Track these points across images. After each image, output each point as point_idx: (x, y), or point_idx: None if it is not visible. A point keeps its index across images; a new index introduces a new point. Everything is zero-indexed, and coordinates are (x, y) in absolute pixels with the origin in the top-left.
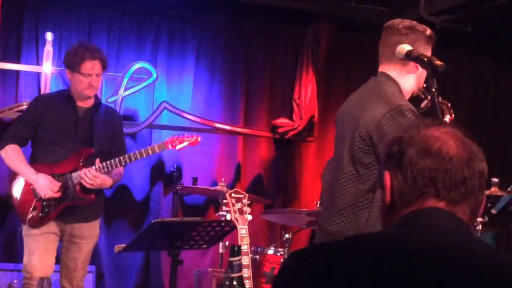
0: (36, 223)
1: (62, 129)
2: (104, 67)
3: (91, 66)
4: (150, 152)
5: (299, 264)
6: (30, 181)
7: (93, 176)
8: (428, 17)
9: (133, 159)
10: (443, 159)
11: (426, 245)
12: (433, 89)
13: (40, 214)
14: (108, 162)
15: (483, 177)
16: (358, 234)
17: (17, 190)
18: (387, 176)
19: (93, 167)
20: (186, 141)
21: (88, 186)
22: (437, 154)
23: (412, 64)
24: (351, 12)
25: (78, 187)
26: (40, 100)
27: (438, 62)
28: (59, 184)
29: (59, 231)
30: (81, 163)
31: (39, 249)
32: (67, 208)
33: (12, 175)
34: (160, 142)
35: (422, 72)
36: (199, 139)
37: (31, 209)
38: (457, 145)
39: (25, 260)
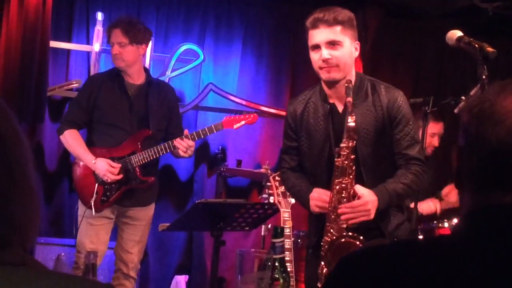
0: (98, 207)
1: (118, 112)
2: (129, 36)
3: (112, 35)
4: (208, 132)
5: (350, 273)
6: (90, 166)
7: (189, 145)
8: (480, 3)
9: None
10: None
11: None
12: (484, 77)
13: (102, 198)
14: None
15: None
16: (416, 240)
17: (78, 174)
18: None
19: (183, 137)
20: (242, 120)
21: (183, 155)
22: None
23: None
24: None
25: (138, 170)
26: (93, 82)
27: (490, 49)
28: (119, 165)
29: (114, 215)
30: (140, 146)
31: (92, 233)
32: (127, 191)
33: (67, 155)
34: (216, 123)
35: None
36: (257, 117)
37: (93, 193)
38: None
39: (78, 239)
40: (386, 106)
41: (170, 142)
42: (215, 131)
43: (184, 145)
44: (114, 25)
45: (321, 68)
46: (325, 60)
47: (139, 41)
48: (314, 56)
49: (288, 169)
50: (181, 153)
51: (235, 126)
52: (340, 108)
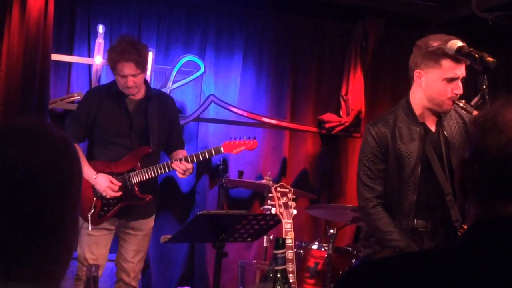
0: (95, 221)
1: (118, 129)
2: (140, 66)
3: (122, 68)
4: (207, 155)
5: (353, 286)
6: (91, 181)
7: (186, 168)
8: (480, 13)
9: (195, 160)
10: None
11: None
12: (484, 86)
13: (100, 213)
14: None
15: None
16: (416, 252)
17: None
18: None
19: (182, 160)
20: (242, 145)
21: (181, 176)
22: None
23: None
24: (401, 8)
25: (137, 187)
26: (92, 97)
27: (490, 59)
28: (119, 184)
29: (115, 226)
30: (139, 164)
31: (91, 243)
32: (125, 207)
33: None
34: (216, 146)
35: (428, 82)
36: (257, 143)
37: (91, 207)
38: None
39: (78, 251)
40: (462, 119)
41: (169, 162)
42: (214, 155)
43: (182, 168)
44: (124, 58)
45: (450, 99)
46: (458, 94)
47: (146, 65)
48: (446, 87)
49: (377, 203)
50: (179, 175)
51: (234, 151)
52: (432, 127)
